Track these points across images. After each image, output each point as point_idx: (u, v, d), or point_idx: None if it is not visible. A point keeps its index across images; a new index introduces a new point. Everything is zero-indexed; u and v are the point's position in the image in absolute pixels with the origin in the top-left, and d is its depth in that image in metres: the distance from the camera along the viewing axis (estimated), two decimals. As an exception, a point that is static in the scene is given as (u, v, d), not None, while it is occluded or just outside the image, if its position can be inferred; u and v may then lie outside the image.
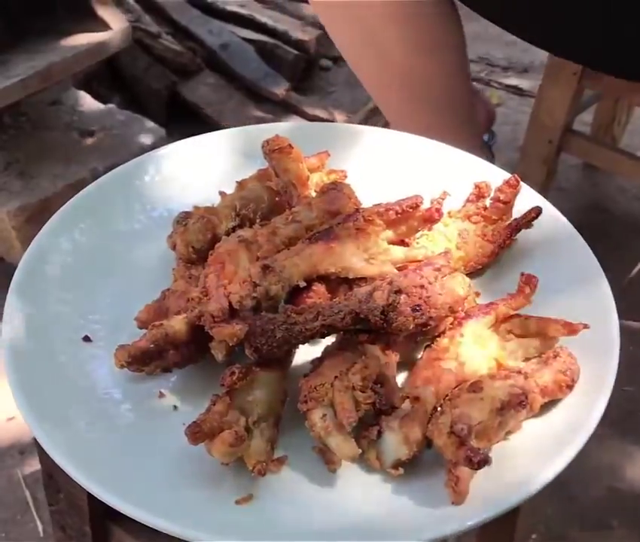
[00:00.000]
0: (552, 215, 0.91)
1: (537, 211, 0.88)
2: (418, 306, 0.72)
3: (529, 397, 0.70)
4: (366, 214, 0.81)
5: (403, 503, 0.67)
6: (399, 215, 0.82)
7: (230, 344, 0.71)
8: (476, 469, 0.65)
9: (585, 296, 0.82)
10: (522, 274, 0.79)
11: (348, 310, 0.72)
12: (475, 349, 0.74)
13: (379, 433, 0.69)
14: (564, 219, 0.91)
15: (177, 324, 0.75)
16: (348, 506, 0.68)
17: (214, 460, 0.69)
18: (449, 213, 0.89)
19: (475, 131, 1.58)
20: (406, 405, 0.70)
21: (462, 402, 0.68)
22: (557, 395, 0.73)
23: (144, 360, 0.75)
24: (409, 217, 0.83)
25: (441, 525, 0.65)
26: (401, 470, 0.68)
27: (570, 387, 0.73)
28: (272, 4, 2.43)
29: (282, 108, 2.14)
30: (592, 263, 0.86)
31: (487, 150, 1.69)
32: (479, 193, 0.90)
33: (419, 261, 0.80)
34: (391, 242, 0.83)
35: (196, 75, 2.16)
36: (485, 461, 0.64)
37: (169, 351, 0.75)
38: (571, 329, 0.76)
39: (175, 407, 0.76)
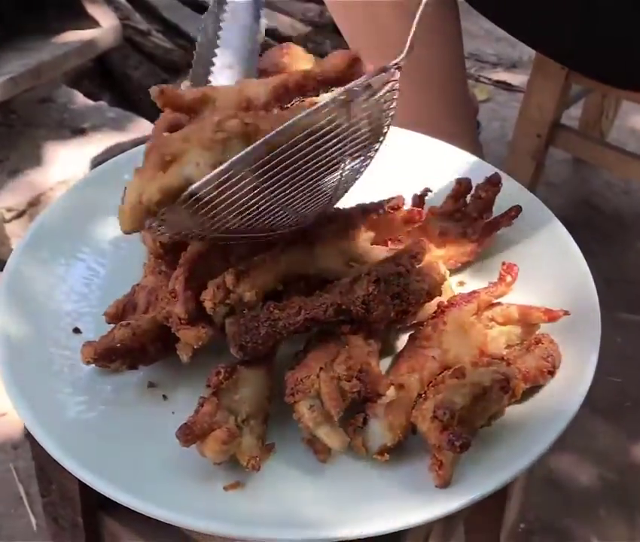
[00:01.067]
0: (534, 205, 0.92)
1: (517, 210, 0.88)
2: (397, 293, 0.73)
3: (511, 382, 0.71)
4: (347, 216, 0.81)
5: (390, 489, 0.68)
6: (380, 216, 0.83)
7: (195, 346, 0.72)
8: (459, 452, 0.66)
9: (567, 284, 0.83)
10: (504, 263, 0.81)
11: (330, 302, 0.72)
12: (458, 337, 0.75)
13: (365, 421, 0.69)
14: (546, 208, 0.92)
15: (144, 322, 0.75)
16: (335, 493, 0.68)
17: (204, 449, 0.71)
18: (430, 210, 0.89)
19: (471, 124, 1.60)
20: (391, 392, 0.71)
21: (445, 388, 0.69)
22: (539, 381, 0.74)
23: (110, 358, 0.75)
24: (391, 219, 0.84)
25: (427, 509, 0.66)
26: (387, 456, 0.69)
27: (551, 373, 0.74)
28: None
29: (273, 105, 2.15)
30: (575, 253, 0.87)
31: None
32: (460, 190, 0.90)
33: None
34: (373, 243, 0.83)
35: (186, 72, 2.16)
36: (467, 445, 0.65)
37: (135, 349, 0.75)
38: (551, 315, 0.77)
39: (165, 397, 0.76)
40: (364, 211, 0.82)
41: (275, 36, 2.28)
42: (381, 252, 0.80)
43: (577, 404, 0.72)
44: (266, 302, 0.73)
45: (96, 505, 0.81)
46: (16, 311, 0.81)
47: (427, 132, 1.04)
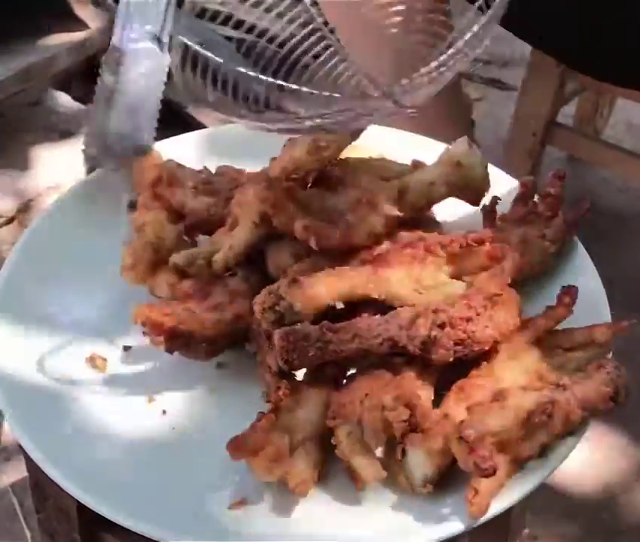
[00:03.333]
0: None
1: (587, 202, 0.86)
2: (461, 340, 0.69)
3: (564, 409, 0.66)
4: (428, 243, 0.76)
5: (405, 507, 0.67)
6: (462, 249, 0.76)
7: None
8: (485, 476, 0.62)
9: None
10: (563, 286, 0.76)
11: (388, 336, 0.68)
12: (512, 365, 0.71)
13: (403, 452, 0.66)
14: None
15: (207, 320, 0.73)
16: (336, 511, 0.67)
17: (206, 465, 0.69)
18: (500, 217, 0.85)
19: (466, 125, 1.59)
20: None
21: (481, 410, 0.66)
22: (599, 407, 0.69)
23: (157, 331, 0.72)
24: (473, 253, 0.77)
25: (436, 528, 0.64)
26: (430, 487, 0.66)
27: (614, 400, 0.69)
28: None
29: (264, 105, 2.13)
30: (582, 255, 0.86)
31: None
32: (526, 191, 0.86)
33: None
34: (452, 277, 0.77)
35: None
36: (493, 469, 0.62)
37: (184, 337, 0.73)
38: (616, 329, 0.73)
39: (164, 412, 0.74)
40: (447, 241, 0.76)
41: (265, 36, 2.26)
42: (456, 286, 0.75)
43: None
44: (322, 322, 0.69)
45: (93, 521, 0.79)
46: (9, 322, 0.79)
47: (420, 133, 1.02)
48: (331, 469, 0.69)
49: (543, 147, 1.65)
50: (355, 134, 0.83)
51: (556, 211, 0.85)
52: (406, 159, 0.93)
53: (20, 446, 0.72)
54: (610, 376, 0.69)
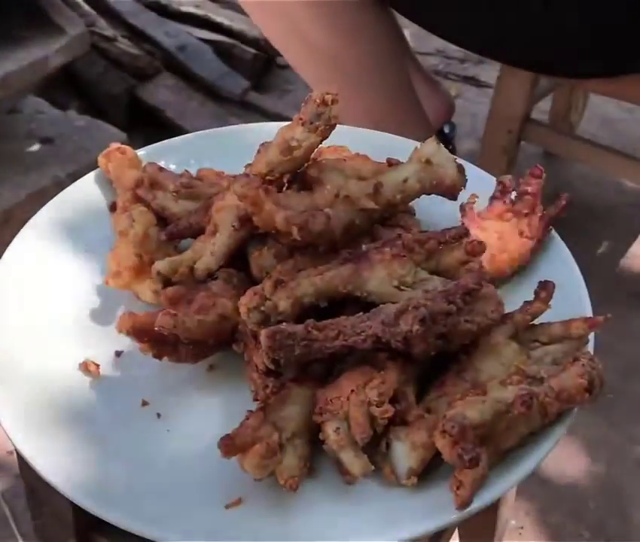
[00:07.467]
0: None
1: (568, 199, 0.87)
2: (442, 334, 0.71)
3: (542, 401, 0.68)
4: (406, 241, 0.78)
5: (394, 501, 0.68)
6: (442, 245, 0.78)
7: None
8: (468, 467, 0.64)
9: (557, 283, 0.81)
10: (540, 281, 0.78)
11: (371, 333, 0.70)
12: (491, 359, 0.73)
13: (388, 445, 0.68)
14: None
15: (189, 321, 0.74)
16: (325, 509, 0.68)
17: (201, 467, 0.70)
18: (480, 215, 0.87)
19: (424, 123, 1.58)
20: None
21: (462, 404, 0.67)
22: (576, 400, 0.70)
23: (143, 337, 0.74)
24: (451, 249, 0.79)
25: (424, 520, 0.66)
26: (414, 479, 0.68)
27: (589, 391, 0.70)
28: (226, 4, 2.42)
29: (243, 108, 2.14)
30: (563, 251, 0.87)
31: (446, 143, 1.70)
32: (504, 189, 0.88)
33: None
34: (432, 273, 0.78)
35: (154, 78, 2.15)
36: (476, 460, 0.64)
37: (169, 342, 0.74)
38: (592, 323, 0.75)
39: (159, 415, 0.75)
40: (425, 238, 0.78)
41: (242, 38, 2.27)
42: (436, 282, 0.76)
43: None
44: (307, 320, 0.71)
45: (89, 526, 0.80)
46: (1, 330, 0.80)
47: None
48: (321, 464, 0.70)
49: (518, 144, 1.67)
50: (326, 133, 0.84)
51: (532, 208, 0.87)
52: (381, 159, 0.94)
53: (12, 453, 0.72)
54: (585, 368, 0.71)
